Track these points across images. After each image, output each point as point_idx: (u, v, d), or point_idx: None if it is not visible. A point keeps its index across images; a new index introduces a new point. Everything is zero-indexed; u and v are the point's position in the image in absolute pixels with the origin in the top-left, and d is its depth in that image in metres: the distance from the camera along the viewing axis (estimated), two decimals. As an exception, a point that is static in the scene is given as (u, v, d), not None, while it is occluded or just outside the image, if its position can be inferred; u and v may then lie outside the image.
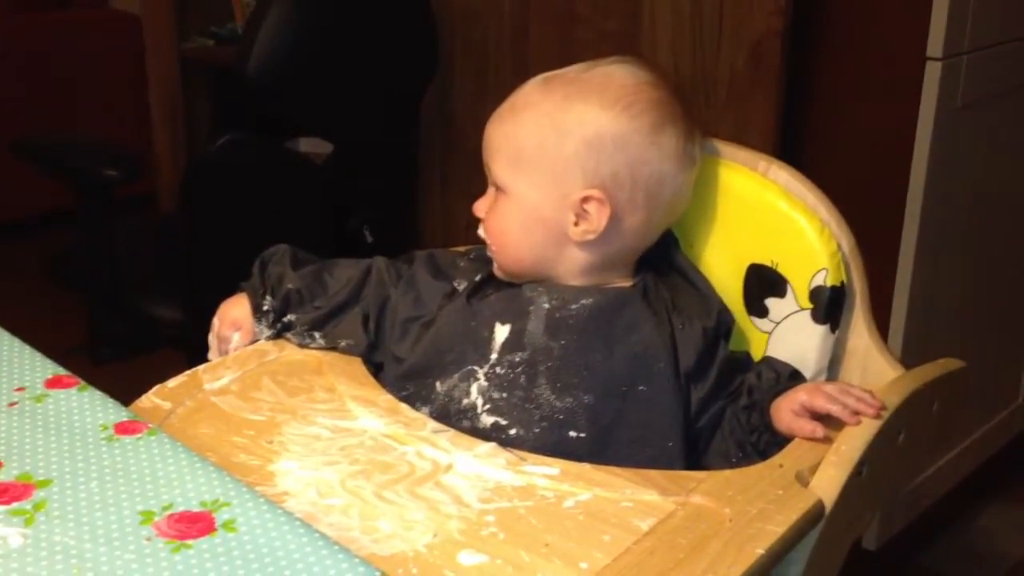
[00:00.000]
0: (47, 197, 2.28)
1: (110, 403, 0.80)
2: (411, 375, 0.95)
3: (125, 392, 0.86)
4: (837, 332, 0.99)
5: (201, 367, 0.92)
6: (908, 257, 1.63)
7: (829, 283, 0.98)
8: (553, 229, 0.95)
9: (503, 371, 0.92)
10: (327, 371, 0.92)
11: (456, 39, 1.99)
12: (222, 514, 0.68)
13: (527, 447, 0.86)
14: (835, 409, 0.84)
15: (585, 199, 0.93)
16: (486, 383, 0.92)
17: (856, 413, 0.83)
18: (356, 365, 0.94)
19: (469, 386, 0.92)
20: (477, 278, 0.99)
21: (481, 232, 0.99)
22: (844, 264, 0.99)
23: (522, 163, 0.95)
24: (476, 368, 0.93)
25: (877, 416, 0.83)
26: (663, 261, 1.01)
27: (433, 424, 0.85)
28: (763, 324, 1.02)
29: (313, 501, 0.75)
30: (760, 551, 0.71)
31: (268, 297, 1.00)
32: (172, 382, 0.89)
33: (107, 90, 3.02)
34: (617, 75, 0.96)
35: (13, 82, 2.87)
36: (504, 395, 0.91)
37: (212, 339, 1.02)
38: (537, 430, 0.89)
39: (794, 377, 0.94)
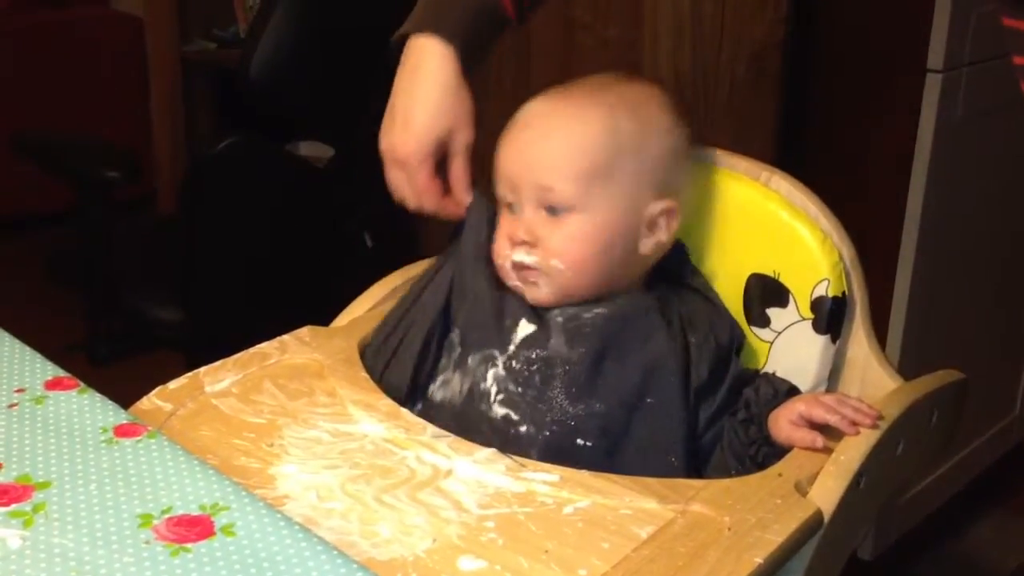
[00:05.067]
0: (46, 196, 2.28)
1: (110, 405, 0.80)
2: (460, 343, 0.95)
3: (123, 393, 0.86)
4: (838, 343, 0.99)
5: (202, 369, 0.92)
6: (907, 267, 1.63)
7: (831, 293, 0.98)
8: (627, 246, 0.94)
9: (519, 366, 0.91)
10: (328, 375, 0.92)
11: (458, 44, 1.99)
12: (221, 518, 0.68)
13: (536, 447, 0.86)
14: (833, 419, 0.84)
15: (662, 212, 0.94)
16: (503, 372, 0.91)
17: (854, 423, 0.84)
18: (357, 369, 0.94)
19: (486, 371, 0.91)
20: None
21: (526, 257, 0.93)
22: (845, 274, 0.99)
23: (595, 178, 0.91)
24: (496, 354, 0.92)
25: (874, 426, 0.84)
26: (673, 272, 1.01)
27: (433, 429, 0.85)
28: (764, 334, 1.02)
29: (313, 505, 0.75)
30: (759, 560, 0.71)
31: None
32: (173, 384, 0.89)
33: (108, 91, 3.02)
34: (655, 89, 0.98)
35: (14, 81, 2.87)
36: (519, 390, 0.90)
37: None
38: (547, 432, 0.88)
39: (791, 393, 0.94)
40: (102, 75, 3.01)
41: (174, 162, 2.76)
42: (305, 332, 0.99)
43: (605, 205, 0.92)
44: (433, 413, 0.92)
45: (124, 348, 2.10)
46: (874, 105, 1.66)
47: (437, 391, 0.95)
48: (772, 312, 1.01)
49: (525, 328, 0.93)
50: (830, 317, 0.98)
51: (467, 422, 0.90)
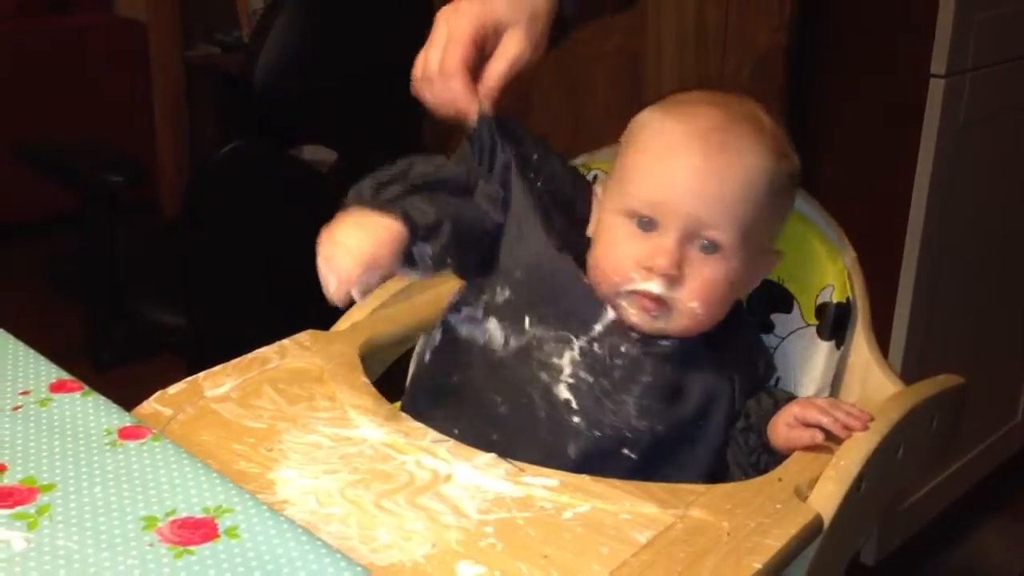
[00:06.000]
0: (50, 200, 2.28)
1: (114, 408, 0.81)
2: (509, 284, 0.91)
3: (125, 397, 0.86)
4: (842, 348, 0.99)
5: (201, 374, 0.92)
6: (909, 273, 1.63)
7: (835, 300, 0.98)
8: (740, 292, 0.94)
9: (601, 352, 0.88)
10: (328, 379, 0.92)
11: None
12: (225, 520, 0.68)
13: (579, 443, 0.86)
14: (826, 421, 0.85)
15: (772, 259, 0.94)
16: (580, 357, 0.88)
17: (846, 427, 0.84)
18: (358, 374, 0.94)
19: (562, 350, 0.89)
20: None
21: (665, 291, 0.86)
22: (848, 280, 0.99)
23: (752, 226, 0.88)
24: (572, 337, 0.89)
25: (865, 429, 0.84)
26: None
27: (433, 434, 0.85)
28: (768, 339, 1.02)
29: (312, 510, 0.75)
30: (758, 565, 0.71)
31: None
32: (173, 389, 0.89)
33: (111, 96, 3.02)
34: (784, 132, 0.94)
35: (18, 86, 2.88)
36: (591, 379, 0.88)
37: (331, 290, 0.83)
38: (598, 433, 0.87)
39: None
40: (105, 80, 3.02)
41: (177, 166, 2.77)
42: (305, 336, 0.99)
43: (747, 254, 0.88)
44: (451, 346, 0.92)
45: (127, 354, 2.10)
46: (877, 110, 1.66)
47: (461, 324, 0.92)
48: (776, 318, 1.02)
49: (608, 315, 0.89)
50: (834, 323, 0.99)
51: (510, 376, 0.88)
